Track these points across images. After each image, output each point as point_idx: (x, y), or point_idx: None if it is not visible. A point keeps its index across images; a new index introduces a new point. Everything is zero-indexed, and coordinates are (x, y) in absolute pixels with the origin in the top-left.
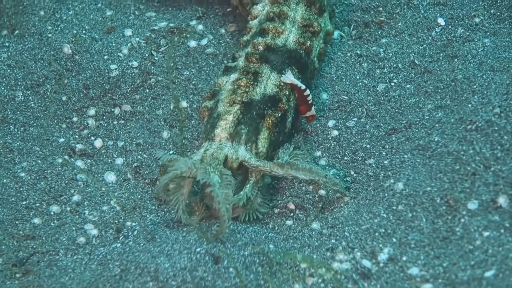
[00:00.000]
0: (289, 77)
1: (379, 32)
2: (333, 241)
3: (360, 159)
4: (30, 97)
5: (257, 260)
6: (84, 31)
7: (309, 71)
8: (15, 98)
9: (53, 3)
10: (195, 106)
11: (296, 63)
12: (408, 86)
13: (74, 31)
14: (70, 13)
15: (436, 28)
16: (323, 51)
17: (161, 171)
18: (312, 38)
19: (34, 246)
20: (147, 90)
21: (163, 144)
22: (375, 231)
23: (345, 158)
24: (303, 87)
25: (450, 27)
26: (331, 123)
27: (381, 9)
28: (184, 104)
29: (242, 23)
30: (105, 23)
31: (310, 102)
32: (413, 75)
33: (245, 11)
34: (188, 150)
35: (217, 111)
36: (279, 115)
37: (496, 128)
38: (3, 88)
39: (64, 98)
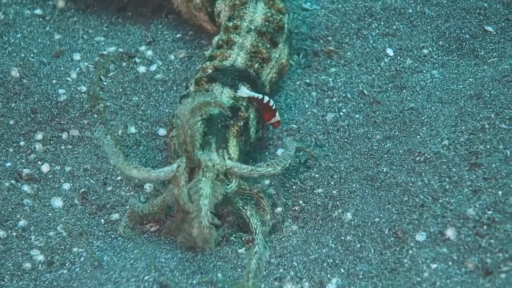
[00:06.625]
0: (244, 91)
1: (328, 62)
2: (281, 270)
3: (308, 188)
4: None
5: None
6: (32, 55)
7: (260, 89)
8: None
9: (1, 26)
10: (143, 132)
11: (246, 80)
12: (357, 116)
13: (22, 55)
14: (18, 36)
15: (385, 59)
16: (275, 80)
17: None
18: (262, 63)
19: None
20: (96, 115)
21: (111, 170)
22: (323, 261)
23: (294, 187)
24: (260, 96)
25: (398, 57)
26: (279, 151)
27: (330, 38)
28: (132, 130)
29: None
30: (53, 47)
31: (273, 108)
32: (362, 105)
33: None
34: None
35: None
36: (242, 124)
37: (444, 160)
38: None
39: (11, 122)
